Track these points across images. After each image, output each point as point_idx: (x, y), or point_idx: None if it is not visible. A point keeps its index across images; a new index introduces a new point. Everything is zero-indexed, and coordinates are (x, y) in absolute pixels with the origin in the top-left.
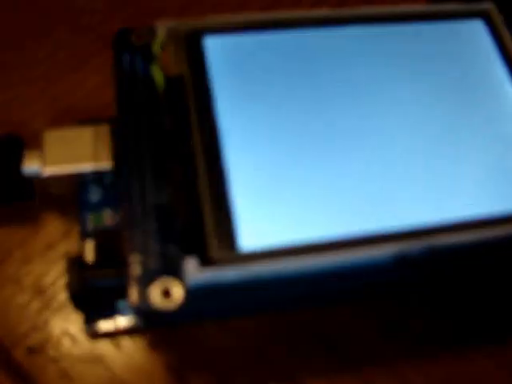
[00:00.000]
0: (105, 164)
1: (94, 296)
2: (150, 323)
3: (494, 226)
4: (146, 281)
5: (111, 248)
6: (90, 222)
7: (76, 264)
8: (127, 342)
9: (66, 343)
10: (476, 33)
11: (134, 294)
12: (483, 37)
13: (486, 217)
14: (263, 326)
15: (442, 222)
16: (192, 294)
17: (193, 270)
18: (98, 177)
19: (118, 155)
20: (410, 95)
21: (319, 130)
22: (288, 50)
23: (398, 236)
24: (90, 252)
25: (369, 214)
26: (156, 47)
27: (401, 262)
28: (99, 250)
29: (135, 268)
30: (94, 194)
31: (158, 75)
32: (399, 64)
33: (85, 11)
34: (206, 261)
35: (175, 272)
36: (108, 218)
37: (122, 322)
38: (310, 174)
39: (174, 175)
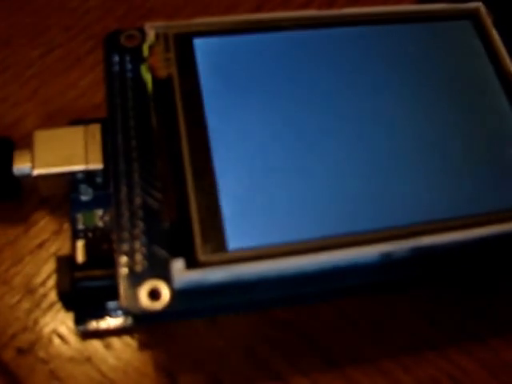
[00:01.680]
0: (95, 164)
1: (83, 296)
2: (140, 321)
3: (480, 226)
4: (133, 282)
5: (102, 248)
6: (81, 222)
7: (66, 264)
8: (117, 342)
9: (56, 343)
10: (464, 33)
11: (121, 295)
12: (471, 37)
13: (472, 217)
14: (250, 326)
15: (428, 222)
16: (179, 295)
17: (180, 271)
18: (89, 176)
19: (108, 156)
20: (398, 96)
21: (307, 131)
22: (277, 51)
23: (385, 237)
24: (80, 252)
25: (356, 214)
26: (145, 49)
27: (387, 263)
28: (89, 249)
29: (123, 269)
30: (85, 194)
31: (147, 76)
32: (387, 65)
33: (78, 11)
34: (193, 262)
35: (162, 273)
36: (99, 217)
37: (112, 322)
38: (297, 175)
39: (162, 177)
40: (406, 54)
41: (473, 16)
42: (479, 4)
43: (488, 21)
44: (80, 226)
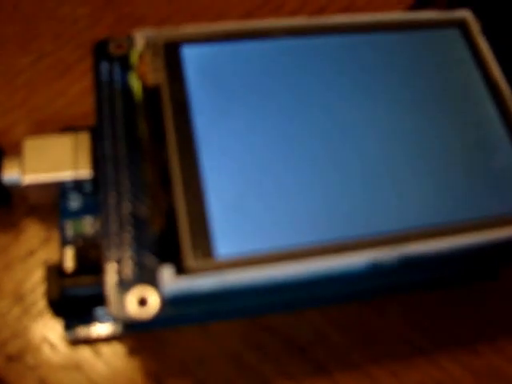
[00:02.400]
0: (84, 172)
1: (72, 303)
2: (130, 328)
3: (467, 232)
4: (122, 289)
5: (91, 255)
6: (70, 230)
7: (55, 271)
8: (106, 349)
9: (46, 350)
10: (452, 41)
11: (110, 302)
12: (459, 45)
13: (460, 224)
14: (239, 332)
15: (416, 228)
16: (168, 302)
17: (169, 278)
18: (78, 184)
19: (97, 164)
20: (386, 104)
21: (294, 139)
22: (266, 59)
23: (374, 243)
24: (69, 259)
25: (345, 220)
26: (134, 57)
27: (376, 269)
28: (79, 257)
29: (112, 276)
30: (74, 202)
31: (135, 84)
32: (376, 73)
33: (67, 20)
34: (181, 269)
35: (151, 280)
36: (88, 225)
37: (101, 328)
38: (286, 183)
39: (151, 184)
40: (394, 61)
41: (461, 24)
42: (467, 12)
43: (476, 29)
44: (69, 234)
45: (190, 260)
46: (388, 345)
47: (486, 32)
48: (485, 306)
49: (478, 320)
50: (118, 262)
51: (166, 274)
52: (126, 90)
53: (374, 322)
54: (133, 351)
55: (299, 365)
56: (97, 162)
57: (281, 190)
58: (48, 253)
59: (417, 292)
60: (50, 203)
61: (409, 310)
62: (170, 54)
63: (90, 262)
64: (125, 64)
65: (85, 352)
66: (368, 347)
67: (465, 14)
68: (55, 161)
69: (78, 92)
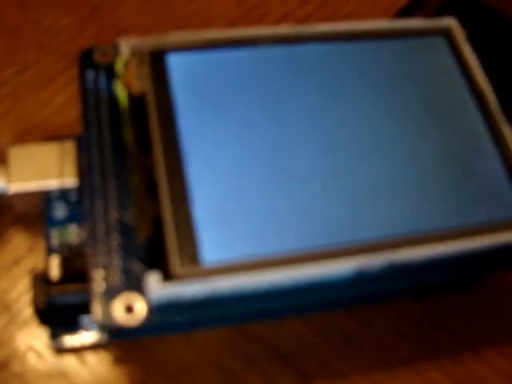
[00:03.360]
0: (70, 181)
1: (58, 312)
2: (115, 336)
3: (453, 240)
4: (108, 296)
5: (76, 264)
6: (55, 238)
7: (41, 280)
8: (92, 357)
9: (31, 359)
10: (438, 50)
11: (96, 309)
12: (445, 53)
13: (446, 231)
14: (224, 340)
15: (401, 236)
16: (155, 309)
17: (155, 285)
18: (63, 193)
19: (83, 172)
20: (371, 112)
21: (281, 145)
22: (251, 67)
23: (361, 249)
24: (54, 268)
25: (333, 227)
26: (119, 65)
27: (363, 276)
28: (64, 265)
29: (98, 284)
30: (60, 210)
31: (121, 93)
32: (361, 81)
33: (51, 30)
34: (168, 276)
35: (138, 287)
36: (73, 234)
37: (87, 337)
38: (272, 190)
39: (137, 191)
40: (379, 69)
41: (446, 33)
42: (452, 21)
43: (461, 37)
44: (55, 242)
45: (176, 267)
46: (372, 353)
47: (472, 40)
48: (470, 315)
49: (463, 329)
50: (105, 269)
51: (153, 280)
52: (112, 98)
53: (358, 331)
54: (118, 359)
55: (283, 373)
56: (83, 170)
57: (266, 198)
58: (34, 261)
59: (401, 300)
60: (36, 212)
61: (393, 319)
62: (156, 63)
63: (76, 271)
64: (110, 72)
65: (70, 360)
66: (352, 356)
67: (450, 22)
68: (41, 169)
69: (62, 102)
